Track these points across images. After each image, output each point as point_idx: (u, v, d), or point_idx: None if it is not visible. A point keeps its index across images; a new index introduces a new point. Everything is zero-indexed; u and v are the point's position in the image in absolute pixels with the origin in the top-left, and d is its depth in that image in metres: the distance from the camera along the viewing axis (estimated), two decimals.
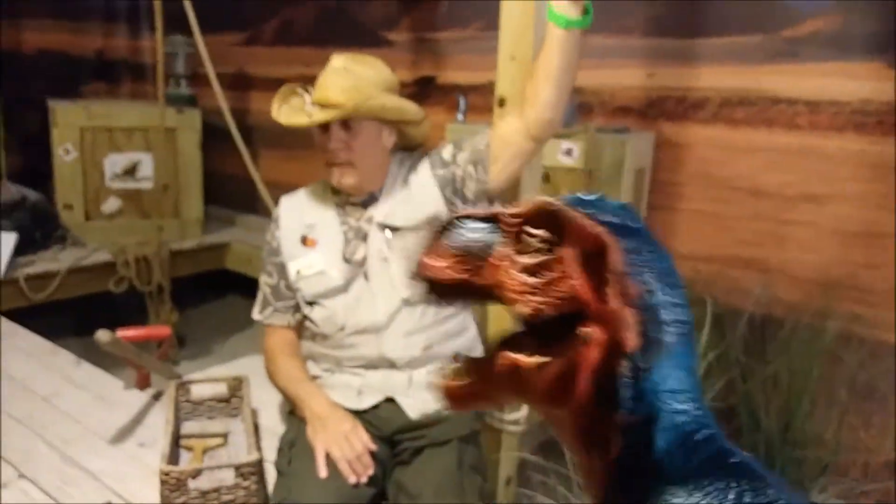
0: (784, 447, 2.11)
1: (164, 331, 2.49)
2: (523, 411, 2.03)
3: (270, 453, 1.81)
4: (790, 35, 2.39)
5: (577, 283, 0.47)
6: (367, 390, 1.73)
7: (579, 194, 0.52)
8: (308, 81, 1.78)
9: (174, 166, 3.84)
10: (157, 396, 2.24)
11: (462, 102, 3.01)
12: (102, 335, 1.90)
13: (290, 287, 1.79)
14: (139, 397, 2.23)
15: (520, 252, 0.50)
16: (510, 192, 1.76)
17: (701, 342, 2.03)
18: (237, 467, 1.65)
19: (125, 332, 2.08)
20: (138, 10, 4.69)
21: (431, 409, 1.70)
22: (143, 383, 2.29)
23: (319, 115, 1.66)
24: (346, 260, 1.74)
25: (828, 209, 2.34)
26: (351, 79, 1.67)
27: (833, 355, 2.13)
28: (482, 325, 1.92)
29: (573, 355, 0.47)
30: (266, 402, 2.10)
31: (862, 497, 2.07)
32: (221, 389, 2.10)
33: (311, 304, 1.76)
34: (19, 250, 3.29)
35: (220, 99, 3.11)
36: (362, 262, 1.74)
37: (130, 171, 3.79)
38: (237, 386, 2.09)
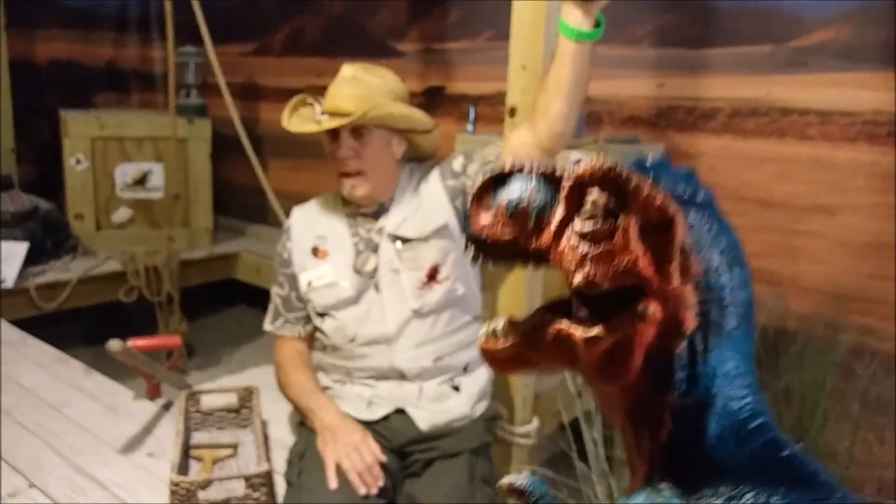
0: None
1: (174, 340, 2.49)
2: (534, 424, 2.03)
3: (280, 464, 1.81)
4: (800, 45, 2.39)
5: (637, 256, 0.43)
6: (377, 401, 1.73)
7: (643, 159, 0.49)
8: (318, 91, 1.79)
9: (185, 176, 3.85)
10: (167, 406, 2.24)
11: (472, 113, 3.01)
12: (113, 344, 1.90)
13: (301, 298, 1.79)
14: (149, 407, 2.23)
15: (578, 217, 0.46)
16: None
17: None
18: (247, 478, 1.65)
19: (136, 342, 2.08)
20: (149, 21, 4.72)
21: (442, 420, 1.70)
22: (153, 393, 2.29)
23: (329, 123, 1.67)
24: (357, 271, 1.74)
25: (839, 220, 2.32)
26: (360, 87, 1.68)
27: (846, 368, 2.11)
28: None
29: (628, 331, 0.44)
30: (276, 413, 2.10)
31: None
32: (232, 400, 2.09)
33: (321, 315, 1.76)
34: (30, 260, 3.30)
35: (231, 109, 3.13)
36: (373, 274, 1.74)
37: (141, 181, 3.81)
38: (247, 396, 2.09)
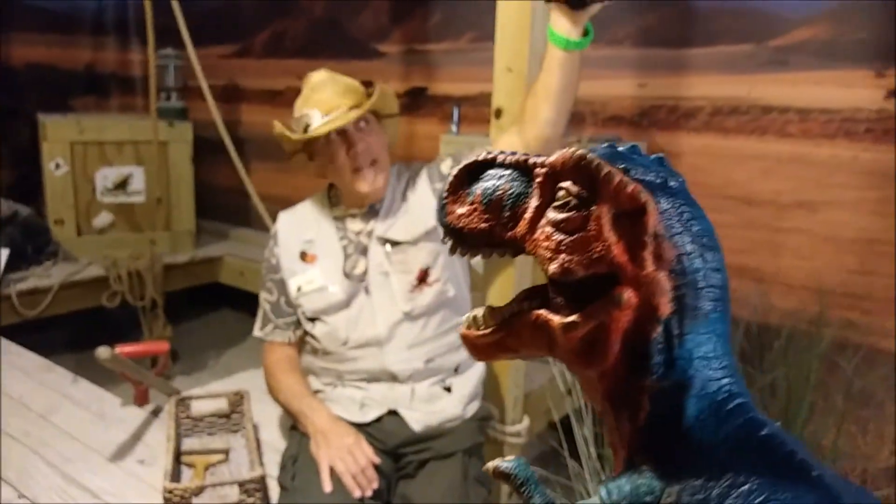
0: None
1: (162, 346, 2.48)
2: (525, 423, 2.04)
3: (273, 469, 1.81)
4: (780, 44, 2.42)
5: (611, 244, 0.44)
6: (369, 403, 1.74)
7: (613, 144, 0.49)
8: (299, 93, 1.76)
9: (166, 180, 3.83)
10: (155, 413, 2.22)
11: (456, 113, 3.01)
12: (102, 351, 1.89)
13: (291, 303, 1.79)
14: (138, 414, 2.21)
15: (551, 206, 0.47)
16: None
17: None
18: (241, 484, 1.65)
19: (124, 348, 2.07)
20: (128, 24, 4.68)
21: (435, 421, 1.71)
22: (141, 399, 2.28)
23: (351, 114, 1.66)
24: (347, 275, 1.74)
25: (821, 216, 2.36)
26: (342, 84, 1.71)
27: (830, 362, 2.15)
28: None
29: (605, 317, 0.45)
30: (267, 417, 2.10)
31: None
32: (222, 405, 2.08)
33: (312, 320, 1.76)
34: (10, 266, 3.26)
35: (214, 112, 3.11)
36: (363, 277, 1.74)
37: (122, 185, 3.78)
38: (238, 401, 2.08)
